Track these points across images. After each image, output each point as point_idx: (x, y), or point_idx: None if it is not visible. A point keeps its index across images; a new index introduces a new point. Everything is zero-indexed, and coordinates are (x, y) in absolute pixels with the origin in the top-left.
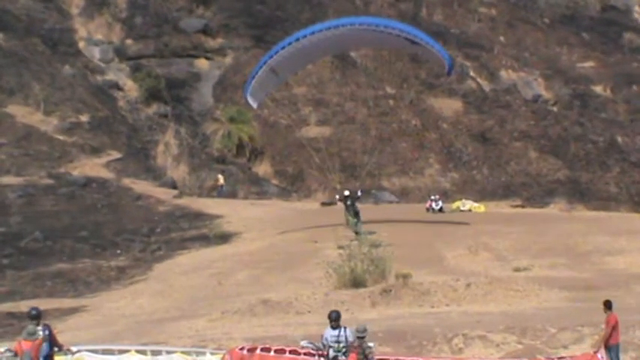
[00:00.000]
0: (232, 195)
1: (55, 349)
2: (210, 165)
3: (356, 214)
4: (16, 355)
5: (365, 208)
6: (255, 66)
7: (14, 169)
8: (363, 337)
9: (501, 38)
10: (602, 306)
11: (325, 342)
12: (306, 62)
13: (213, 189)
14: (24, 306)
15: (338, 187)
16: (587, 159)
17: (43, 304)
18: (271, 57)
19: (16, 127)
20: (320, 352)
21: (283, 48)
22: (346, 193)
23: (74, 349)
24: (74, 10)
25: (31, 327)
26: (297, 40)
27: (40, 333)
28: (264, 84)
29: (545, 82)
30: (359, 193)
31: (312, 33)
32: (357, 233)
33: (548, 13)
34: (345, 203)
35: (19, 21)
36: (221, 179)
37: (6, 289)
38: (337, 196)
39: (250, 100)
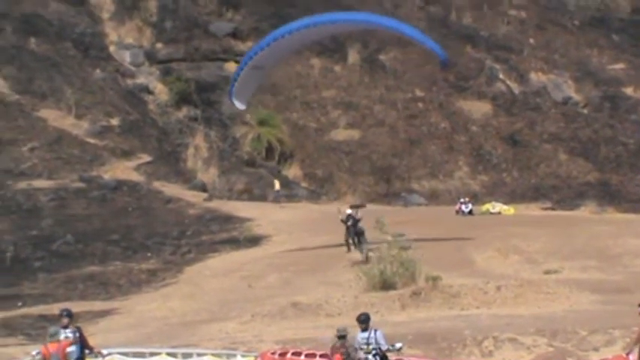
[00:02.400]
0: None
1: (86, 351)
2: (241, 168)
3: (360, 235)
4: (44, 358)
5: (393, 211)
6: (236, 69)
7: (46, 173)
8: (344, 336)
9: (531, 40)
10: (635, 308)
11: (356, 345)
12: (290, 54)
13: (245, 192)
14: (56, 308)
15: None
16: (617, 161)
17: (75, 306)
18: (251, 58)
19: (48, 130)
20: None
21: (262, 48)
22: (348, 211)
23: (105, 351)
24: (105, 15)
25: (52, 329)
26: (281, 37)
27: (64, 335)
28: (248, 82)
29: (575, 84)
30: (359, 215)
31: (297, 29)
32: (366, 258)
33: (578, 15)
34: (346, 224)
35: (50, 25)
36: (277, 185)
37: (38, 292)
38: (340, 217)
39: (237, 103)
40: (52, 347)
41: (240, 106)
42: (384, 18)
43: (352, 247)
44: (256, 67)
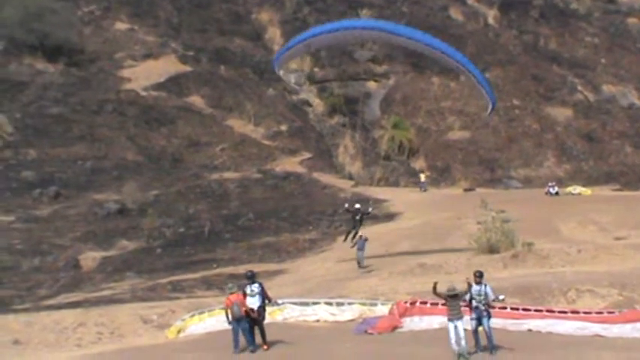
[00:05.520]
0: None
1: (267, 301)
2: (379, 161)
3: (354, 228)
4: (226, 307)
5: (496, 193)
6: (293, 39)
7: (233, 167)
8: (453, 296)
9: (602, 60)
10: None
11: (471, 295)
12: (338, 43)
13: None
14: (242, 269)
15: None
16: None
17: (255, 267)
18: (312, 36)
19: (234, 135)
20: (466, 303)
21: (329, 32)
22: (357, 206)
23: (280, 301)
24: (275, 47)
25: (230, 284)
26: (344, 28)
27: (250, 289)
28: (293, 54)
29: (637, 93)
30: (370, 209)
31: (362, 27)
32: (359, 263)
33: (638, 39)
34: (354, 216)
35: (235, 56)
36: (423, 177)
37: (228, 257)
38: (346, 205)
39: (276, 67)
40: (233, 297)
41: (277, 70)
42: (453, 50)
43: (350, 239)
44: (306, 45)
